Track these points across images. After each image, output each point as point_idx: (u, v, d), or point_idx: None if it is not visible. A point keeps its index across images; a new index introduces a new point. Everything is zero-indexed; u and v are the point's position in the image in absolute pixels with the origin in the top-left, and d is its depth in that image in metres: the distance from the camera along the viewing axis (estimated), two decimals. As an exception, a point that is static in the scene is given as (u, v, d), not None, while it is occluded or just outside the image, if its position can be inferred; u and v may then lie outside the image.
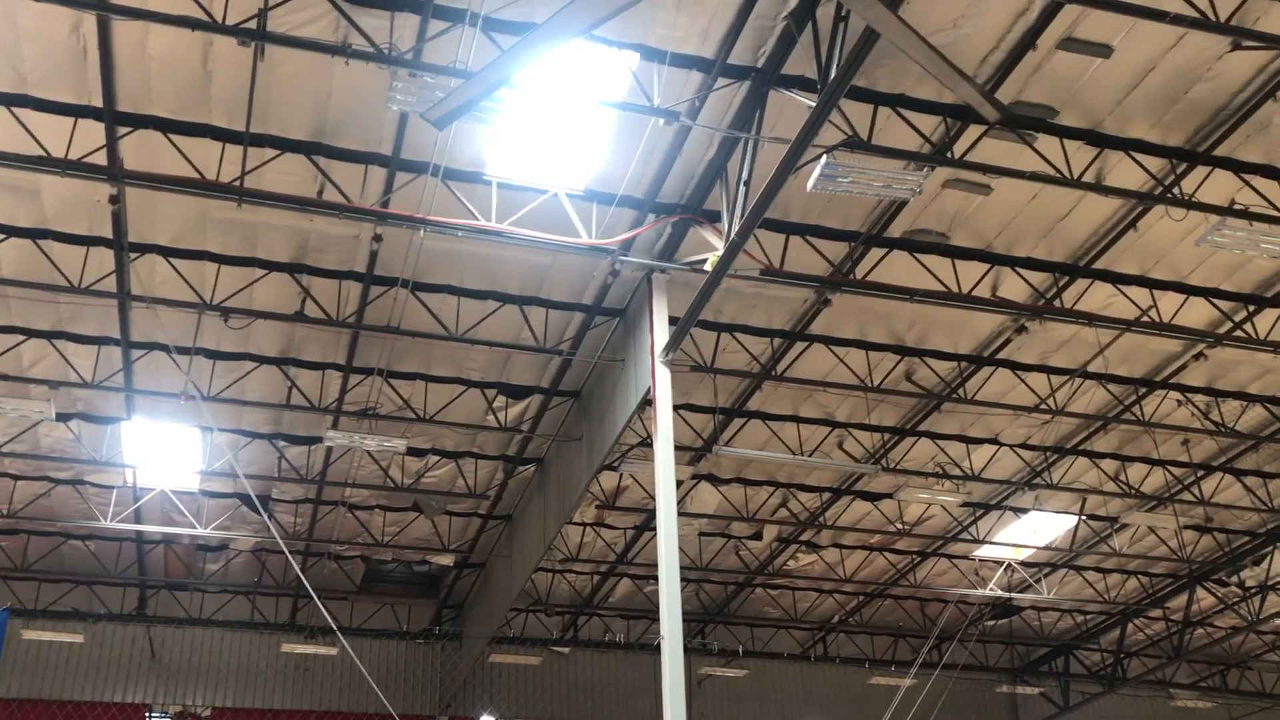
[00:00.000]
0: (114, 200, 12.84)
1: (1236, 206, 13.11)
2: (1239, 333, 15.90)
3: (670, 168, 13.04)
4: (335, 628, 16.90)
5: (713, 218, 13.36)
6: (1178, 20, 10.62)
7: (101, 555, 22.85)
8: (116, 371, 16.52)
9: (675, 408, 15.22)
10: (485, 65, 8.32)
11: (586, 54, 11.16)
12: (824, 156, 11.51)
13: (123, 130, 12.27)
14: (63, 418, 17.83)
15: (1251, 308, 15.87)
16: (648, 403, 13.76)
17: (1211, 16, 10.76)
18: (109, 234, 13.82)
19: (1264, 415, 18.60)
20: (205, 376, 16.65)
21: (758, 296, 15.56)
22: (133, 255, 14.20)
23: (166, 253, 14.36)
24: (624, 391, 15.09)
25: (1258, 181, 13.33)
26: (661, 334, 13.67)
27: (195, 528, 20.26)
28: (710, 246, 13.18)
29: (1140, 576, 25.11)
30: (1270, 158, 13.21)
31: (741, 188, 11.96)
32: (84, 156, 12.19)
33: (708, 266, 12.78)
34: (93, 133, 12.25)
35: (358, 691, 24.48)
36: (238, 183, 12.45)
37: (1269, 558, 23.46)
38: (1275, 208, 13.27)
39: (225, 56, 11.47)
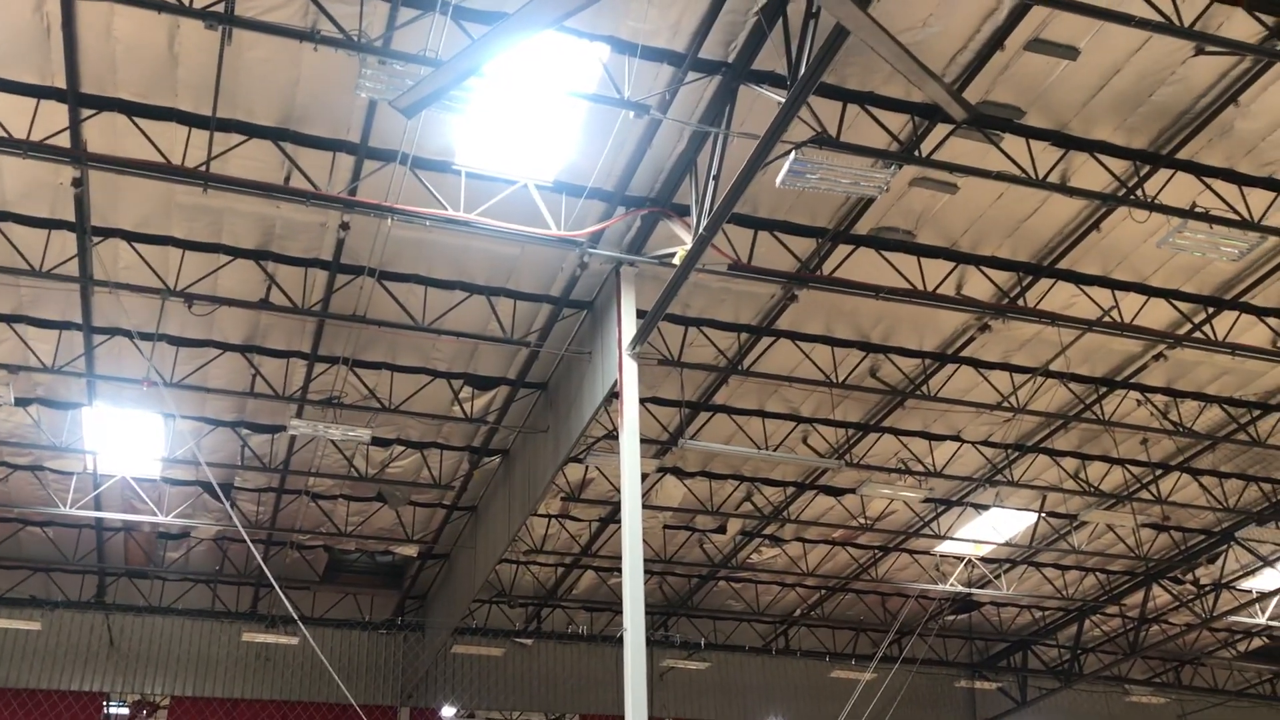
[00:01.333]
0: (77, 183, 12.69)
1: (1198, 209, 13.28)
2: (1198, 334, 16.13)
3: (640, 161, 13.05)
4: (296, 617, 16.80)
5: (682, 211, 13.39)
6: (1143, 24, 10.73)
7: (60, 542, 22.61)
8: (78, 356, 16.34)
9: (642, 401, 15.25)
10: (456, 54, 8.30)
11: (557, 45, 11.16)
12: (793, 152, 11.55)
13: (87, 112, 12.12)
14: (22, 403, 17.63)
15: (1210, 310, 16.09)
16: (614, 395, 13.78)
17: (1176, 21, 10.89)
18: (71, 217, 13.65)
19: (1221, 416, 18.88)
20: (168, 363, 16.50)
21: (725, 291, 15.61)
22: (96, 239, 14.03)
23: (130, 237, 14.20)
24: (591, 384, 15.10)
25: (1218, 185, 13.52)
26: (629, 327, 13.70)
27: (156, 515, 20.09)
28: (679, 240, 13.21)
29: (1098, 574, 25.46)
30: (1231, 161, 13.40)
31: (711, 182, 11.99)
32: (47, 138, 12.05)
33: (676, 260, 12.80)
34: (56, 114, 12.11)
35: (319, 681, 24.40)
36: (203, 168, 12.33)
37: (1223, 556, 23.84)
38: (1235, 211, 13.47)
39: (192, 40, 11.36)
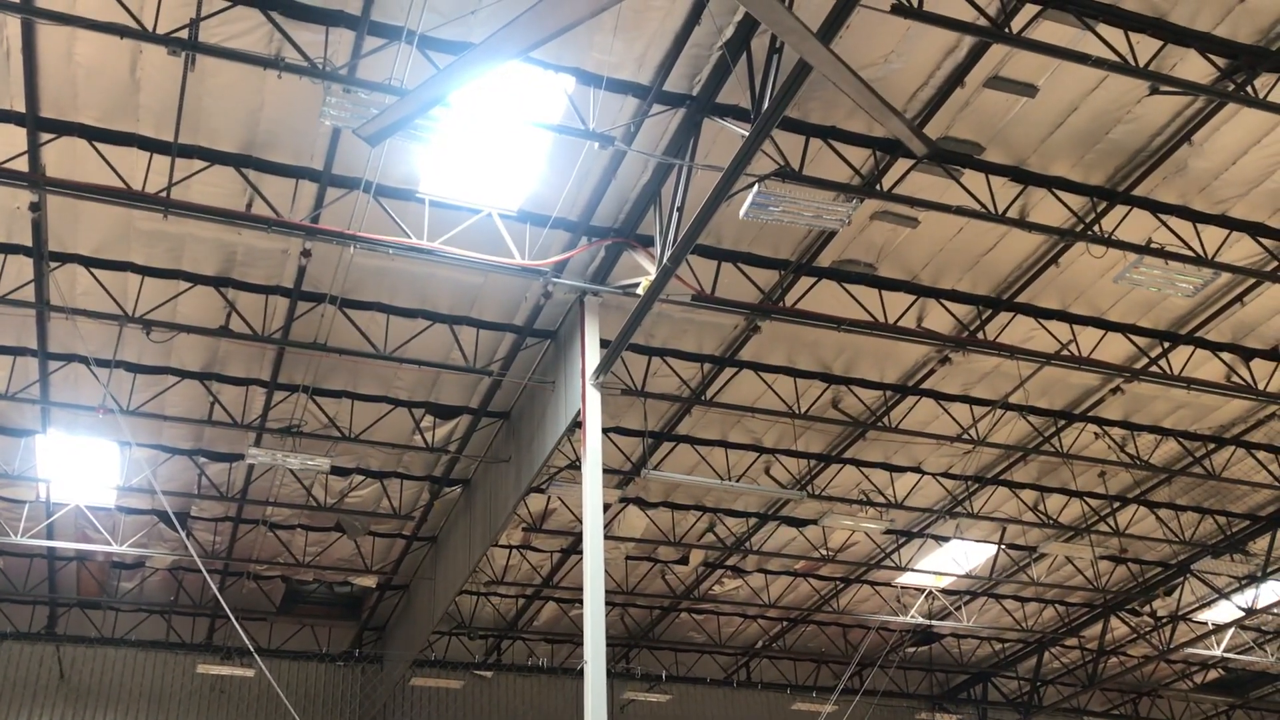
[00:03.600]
0: (34, 208, 12.52)
1: (1153, 245, 13.51)
2: (1154, 368, 16.34)
3: (605, 191, 13.09)
4: (252, 649, 16.53)
5: (646, 242, 13.43)
6: (1100, 64, 10.94)
7: (10, 571, 22.17)
8: (32, 383, 16.11)
9: (605, 431, 15.22)
10: (421, 83, 8.30)
11: (523, 76, 11.21)
12: (756, 185, 11.64)
13: (46, 136, 12.01)
14: (-27, 429, 17.35)
15: (1166, 344, 16.33)
16: (577, 425, 13.75)
17: (1131, 61, 11.11)
18: (28, 242, 13.49)
19: (1177, 449, 19.10)
20: (125, 390, 16.28)
21: (689, 322, 15.65)
22: (53, 264, 13.86)
23: (88, 263, 14.04)
24: (554, 413, 15.06)
25: (1174, 222, 13.76)
26: (593, 357, 13.69)
27: (110, 544, 19.75)
28: (643, 270, 13.24)
29: (1057, 605, 25.60)
30: (1186, 199, 13.65)
31: (675, 213, 12.05)
32: (4, 162, 11.91)
33: (640, 290, 12.84)
34: (14, 138, 12.00)
35: (275, 714, 23.99)
36: (164, 193, 12.22)
37: (1180, 588, 24.06)
38: (1190, 248, 13.71)
39: (154, 65, 11.30)
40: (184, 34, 10.42)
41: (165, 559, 21.31)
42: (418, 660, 23.31)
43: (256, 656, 17.41)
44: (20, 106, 11.70)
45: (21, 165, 12.05)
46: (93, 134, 12.10)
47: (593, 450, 13.11)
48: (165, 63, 11.16)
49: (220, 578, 22.42)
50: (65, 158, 12.25)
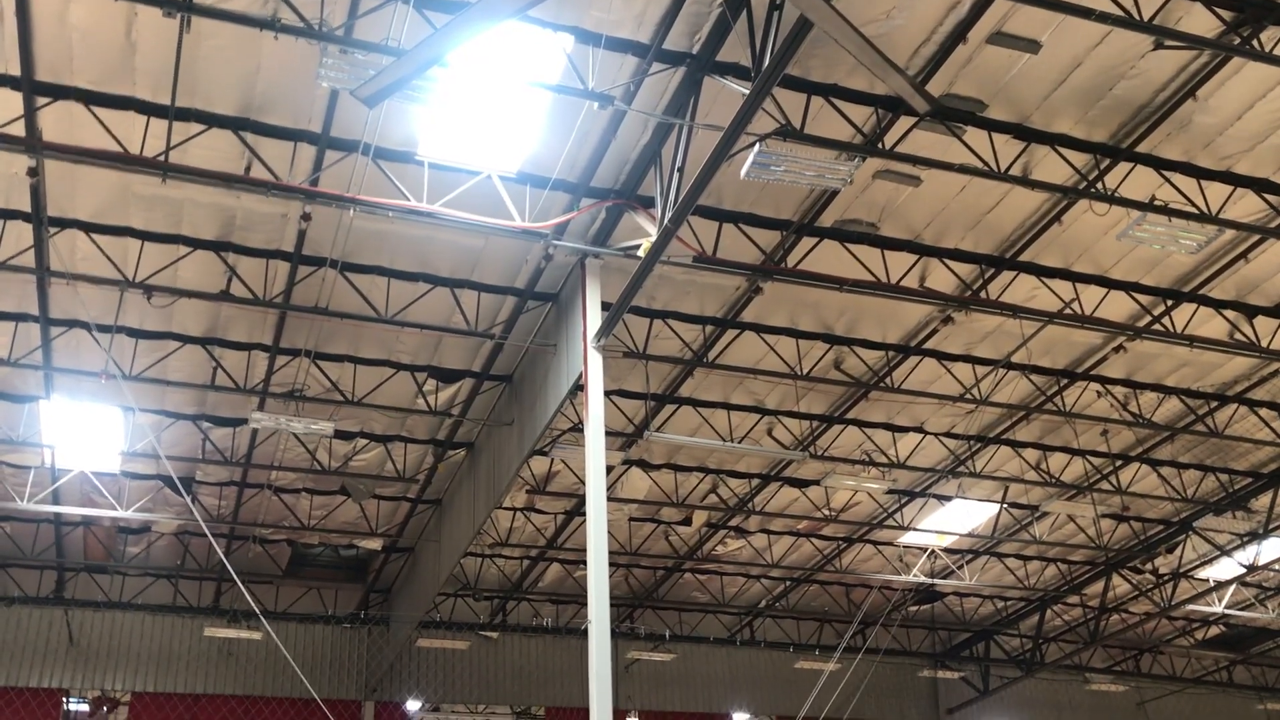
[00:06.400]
0: (32, 173, 12.46)
1: (1157, 202, 13.43)
2: (1157, 326, 16.31)
3: (605, 152, 13.00)
4: (259, 612, 16.64)
5: (647, 203, 13.37)
6: (1103, 18, 10.82)
7: (17, 537, 22.31)
8: (35, 349, 16.11)
9: (607, 393, 15.24)
10: (419, 43, 8.22)
11: (521, 35, 11.09)
12: (757, 145, 11.55)
13: (42, 101, 11.90)
14: (-23, 396, 17.39)
15: (1170, 302, 16.28)
16: (579, 388, 13.74)
17: (1136, 15, 10.99)
18: (27, 208, 13.42)
19: (1179, 407, 19.11)
20: (127, 355, 16.29)
21: (690, 283, 15.61)
22: (52, 230, 13.81)
23: (87, 228, 13.99)
24: (556, 376, 15.06)
25: (1177, 178, 13.66)
26: (594, 319, 13.66)
27: (116, 509, 19.85)
28: (644, 232, 13.18)
29: (1059, 564, 25.72)
30: (1190, 155, 13.55)
31: (675, 174, 11.97)
32: (1, 127, 11.83)
33: (641, 252, 12.78)
34: (10, 103, 11.89)
35: (282, 676, 24.22)
36: (162, 157, 12.15)
37: (1181, 546, 24.15)
38: (1194, 204, 13.62)
39: (150, 27, 11.19)
40: (179, -5, 10.32)
41: (171, 524, 21.42)
42: (424, 622, 23.48)
43: (263, 620, 17.47)
44: (15, 70, 11.59)
45: (18, 130, 11.95)
46: (89, 98, 12.00)
47: (595, 413, 13.12)
48: (161, 25, 11.03)
49: (226, 542, 22.53)
50: (62, 122, 12.17)
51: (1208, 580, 25.19)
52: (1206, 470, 21.53)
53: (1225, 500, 22.05)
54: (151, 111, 12.17)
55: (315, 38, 10.56)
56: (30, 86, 11.71)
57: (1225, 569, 24.68)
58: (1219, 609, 25.33)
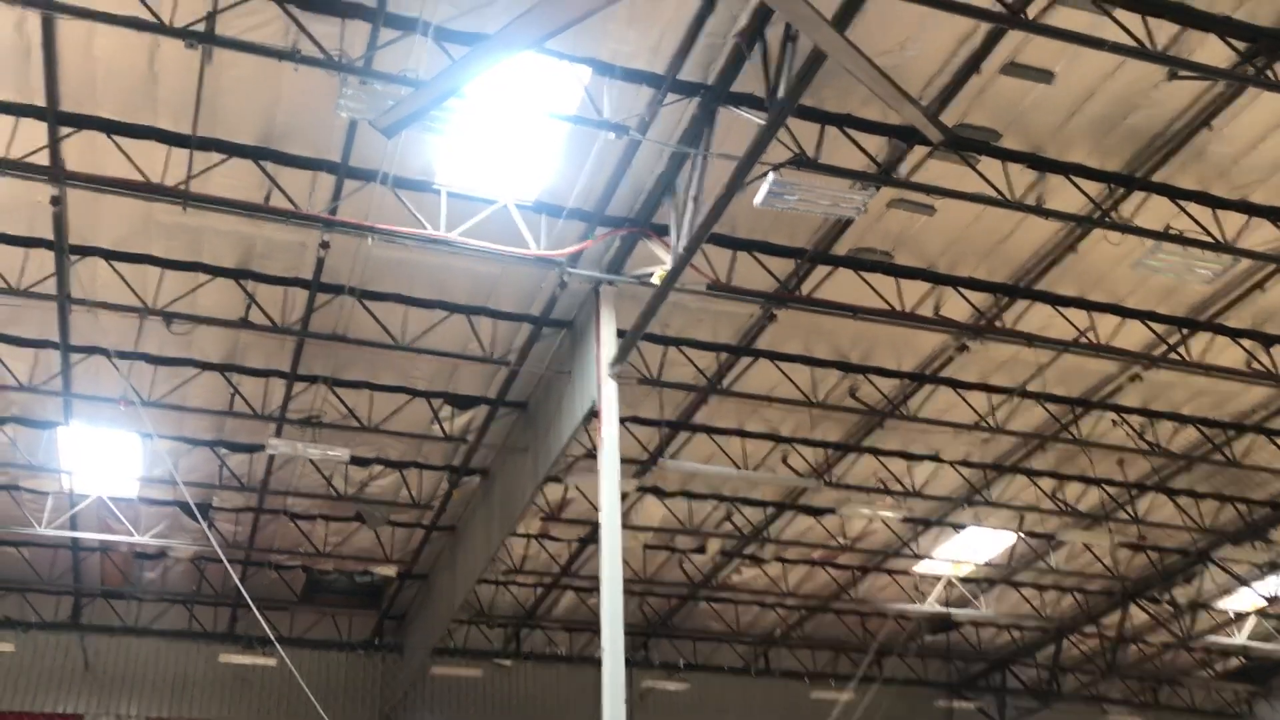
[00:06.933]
0: (55, 201, 12.62)
1: (1171, 231, 13.43)
2: (1173, 355, 16.26)
3: (620, 181, 13.10)
4: (274, 638, 16.66)
5: (661, 231, 13.43)
6: (1117, 49, 10.88)
7: (35, 562, 22.40)
8: (55, 375, 16.24)
9: (621, 420, 15.21)
10: (437, 74, 8.34)
11: (538, 66, 11.22)
12: (771, 174, 11.64)
13: (66, 130, 12.07)
14: (-3, 422, 17.54)
15: (1185, 331, 16.22)
16: (594, 415, 13.79)
17: (1149, 46, 11.04)
18: (50, 235, 13.55)
19: (1196, 436, 19.01)
20: (146, 382, 16.42)
21: (704, 311, 15.66)
22: (74, 258, 13.97)
23: (109, 256, 14.14)
24: (570, 403, 15.11)
25: (1192, 208, 13.65)
26: (609, 346, 13.72)
27: (133, 535, 19.93)
28: (658, 260, 13.26)
29: (1076, 594, 25.51)
30: (1204, 184, 13.55)
31: (690, 202, 12.06)
32: (25, 156, 12.00)
33: (655, 280, 12.86)
34: (35, 132, 12.06)
35: (296, 703, 24.11)
36: (183, 186, 12.31)
37: (1199, 576, 23.94)
38: (1208, 233, 13.62)
39: (172, 59, 11.36)
40: (201, 27, 10.48)
41: (187, 549, 21.49)
42: (437, 649, 23.45)
43: (278, 646, 17.44)
44: (41, 101, 11.77)
45: (42, 159, 12.14)
46: (112, 127, 12.17)
47: (610, 440, 13.15)
48: (183, 56, 11.20)
49: (242, 568, 22.56)
50: (85, 152, 12.32)
51: (1227, 611, 24.97)
52: (1224, 500, 21.38)
53: (1243, 530, 21.87)
54: (173, 141, 12.33)
55: (335, 69, 10.72)
56: (55, 117, 11.89)
57: (1245, 600, 24.45)
58: (1239, 640, 25.09)
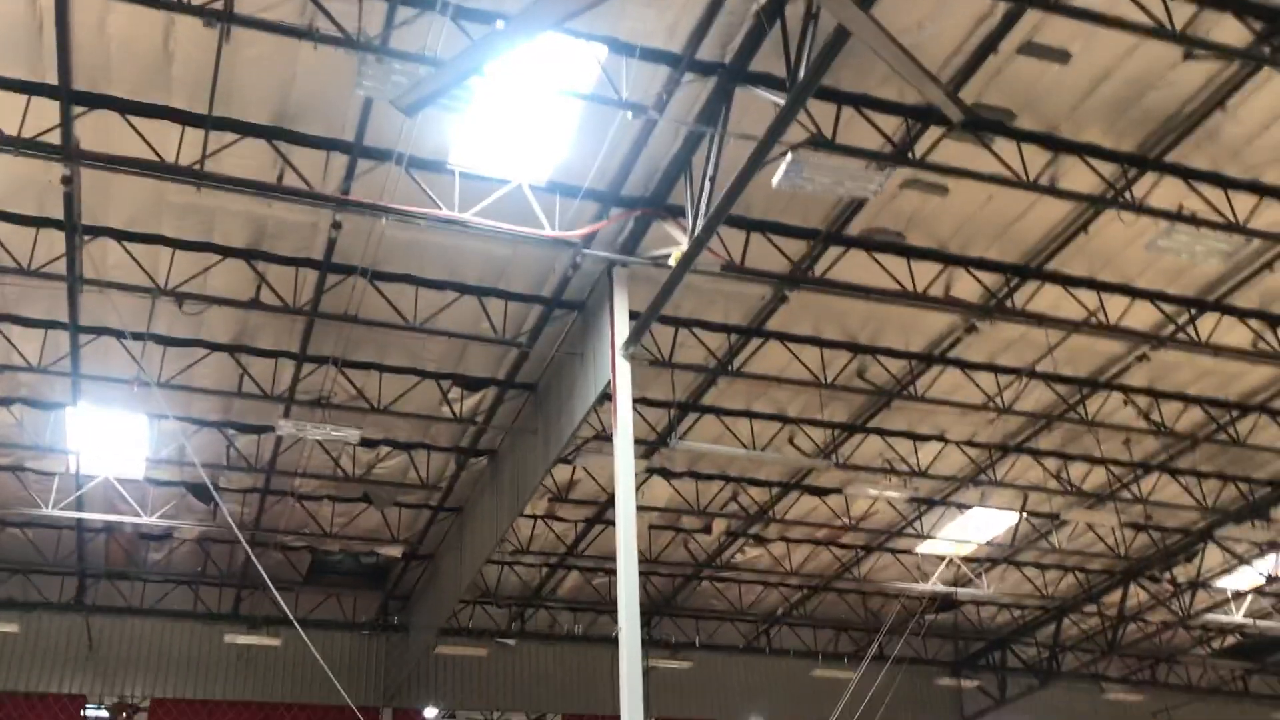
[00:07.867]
0: (67, 181, 12.53)
1: (1184, 212, 13.45)
2: (1181, 336, 16.31)
3: (635, 161, 13.07)
4: (290, 617, 16.73)
5: (676, 212, 13.41)
6: (1134, 29, 10.88)
7: (40, 543, 22.39)
8: (63, 356, 16.20)
9: (632, 401, 15.25)
10: (459, 53, 8.33)
11: (555, 45, 11.17)
12: (789, 154, 11.61)
13: (78, 109, 12.01)
14: (4, 402, 17.49)
15: (1193, 311, 16.27)
16: (606, 396, 13.79)
17: (1167, 25, 11.03)
18: (60, 215, 13.50)
19: (1202, 416, 19.09)
20: (155, 362, 16.38)
21: (716, 292, 15.66)
22: (85, 238, 13.91)
23: (120, 236, 14.09)
24: (582, 385, 15.11)
25: (1204, 189, 13.67)
26: (622, 328, 13.70)
27: (139, 516, 19.94)
28: (672, 241, 13.24)
29: (1077, 573, 25.64)
30: (1217, 166, 13.57)
31: (707, 183, 12.02)
32: (37, 135, 11.92)
33: (671, 261, 12.83)
34: (47, 111, 11.98)
35: (301, 682, 24.25)
36: (197, 166, 12.25)
37: (1200, 555, 24.08)
38: (1221, 214, 13.64)
39: (187, 37, 11.29)
40: (219, 5, 10.43)
41: (192, 530, 21.48)
42: (443, 629, 23.52)
43: (296, 624, 17.46)
44: (53, 79, 11.70)
45: (55, 138, 12.06)
46: (125, 107, 12.11)
47: (623, 422, 13.16)
48: (198, 34, 11.15)
49: (247, 548, 22.57)
50: (98, 131, 12.25)
51: (1225, 590, 25.12)
52: (1227, 479, 21.49)
53: (1245, 509, 22.00)
54: (187, 120, 12.28)
55: (353, 48, 10.67)
56: (68, 95, 11.82)
57: (1243, 578, 24.60)
58: (1237, 618, 25.26)
